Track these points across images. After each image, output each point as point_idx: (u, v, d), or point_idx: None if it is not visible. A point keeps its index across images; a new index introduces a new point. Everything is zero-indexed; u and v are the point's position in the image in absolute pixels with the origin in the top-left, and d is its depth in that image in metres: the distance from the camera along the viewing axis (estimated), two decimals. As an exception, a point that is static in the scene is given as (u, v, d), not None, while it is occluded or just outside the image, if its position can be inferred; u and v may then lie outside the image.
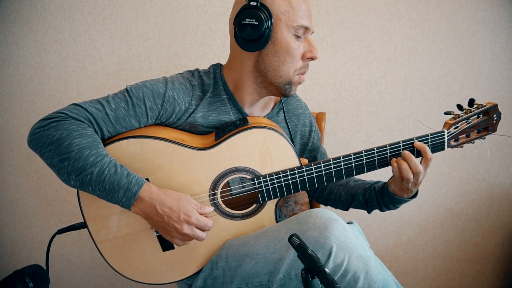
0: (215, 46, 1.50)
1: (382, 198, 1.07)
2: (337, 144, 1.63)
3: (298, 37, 0.94)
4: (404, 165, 0.95)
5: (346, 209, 1.19)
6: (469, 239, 1.75)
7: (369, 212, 1.14)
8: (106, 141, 0.92)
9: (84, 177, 0.83)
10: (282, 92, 1.00)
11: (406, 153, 0.97)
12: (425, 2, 1.50)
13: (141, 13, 1.45)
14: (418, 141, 0.99)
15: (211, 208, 0.93)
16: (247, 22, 0.89)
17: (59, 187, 1.58)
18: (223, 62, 1.09)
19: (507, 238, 1.75)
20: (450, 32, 1.53)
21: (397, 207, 1.08)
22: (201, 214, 0.90)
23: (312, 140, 1.18)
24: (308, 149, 1.19)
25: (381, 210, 1.11)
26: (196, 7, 1.46)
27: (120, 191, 0.84)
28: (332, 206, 1.24)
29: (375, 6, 1.50)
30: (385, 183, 1.08)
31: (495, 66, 1.57)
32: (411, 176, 0.95)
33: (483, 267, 1.78)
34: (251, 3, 0.89)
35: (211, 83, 1.02)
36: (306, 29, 0.94)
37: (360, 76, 1.57)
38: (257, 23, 0.88)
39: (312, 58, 0.97)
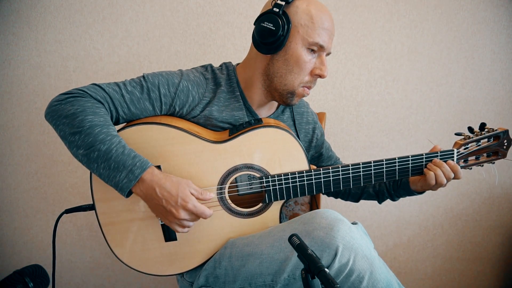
0: (215, 46, 1.50)
1: (396, 191, 1.15)
2: (337, 144, 1.63)
3: (312, 51, 0.96)
4: (439, 172, 1.01)
5: (357, 201, 1.26)
6: (469, 239, 1.75)
7: (380, 202, 1.22)
8: (126, 124, 0.94)
9: (92, 152, 0.85)
10: (284, 100, 1.02)
11: (437, 160, 1.02)
12: (425, 2, 1.50)
13: (141, 13, 1.45)
14: (427, 157, 1.03)
15: (212, 195, 0.93)
16: (265, 25, 0.92)
17: (59, 187, 1.58)
18: (223, 62, 1.10)
19: (507, 238, 1.75)
20: (450, 32, 1.53)
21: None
22: (202, 199, 0.90)
23: (316, 137, 1.20)
24: (313, 146, 1.21)
25: (393, 200, 1.20)
26: (196, 7, 1.46)
27: (123, 172, 0.85)
28: (342, 198, 1.28)
29: (375, 6, 1.50)
30: (399, 180, 1.13)
31: (495, 66, 1.57)
32: (445, 181, 1.01)
33: (483, 267, 1.78)
34: (274, 9, 0.92)
35: (224, 77, 1.04)
36: (321, 47, 0.95)
37: (360, 76, 1.57)
38: (274, 28, 0.91)
39: (320, 76, 0.98)
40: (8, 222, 1.60)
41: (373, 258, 0.87)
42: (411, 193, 1.11)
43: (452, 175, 1.01)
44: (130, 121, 0.96)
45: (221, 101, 1.02)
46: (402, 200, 1.70)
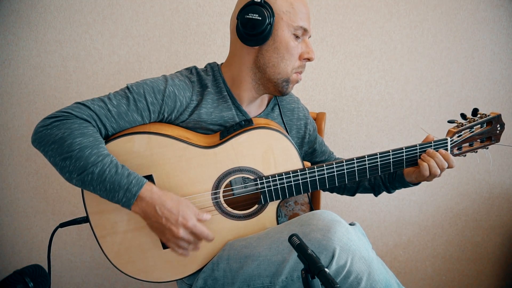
0: (215, 46, 1.50)
1: (392, 184, 1.14)
2: (337, 144, 1.63)
3: (297, 37, 0.97)
4: (432, 162, 1.00)
5: (353, 195, 1.26)
6: (469, 239, 1.75)
7: (376, 195, 1.22)
8: (112, 136, 0.93)
9: (85, 176, 0.84)
10: (279, 89, 1.02)
11: (431, 150, 1.01)
12: (425, 2, 1.50)
13: (141, 13, 1.45)
14: (421, 148, 1.02)
15: (209, 216, 0.93)
16: (250, 16, 0.92)
17: (59, 187, 1.58)
18: (223, 62, 1.10)
19: (507, 238, 1.75)
20: (450, 32, 1.53)
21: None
22: (199, 220, 0.90)
23: (308, 132, 1.20)
24: (306, 141, 1.20)
25: (389, 192, 1.19)
26: (196, 7, 1.46)
27: (120, 191, 0.84)
28: (338, 193, 1.28)
29: (375, 6, 1.50)
30: (394, 172, 1.13)
31: (495, 66, 1.57)
32: (439, 171, 1.00)
33: (483, 267, 1.78)
34: (255, 0, 0.92)
35: (210, 79, 1.03)
36: (305, 30, 0.97)
37: (360, 76, 1.57)
38: (260, 18, 0.92)
39: (309, 59, 1.00)
40: (8, 222, 1.60)
41: (371, 259, 0.87)
42: (406, 185, 1.11)
43: (446, 165, 1.00)
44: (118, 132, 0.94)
45: (209, 103, 1.00)
46: (402, 200, 1.70)
